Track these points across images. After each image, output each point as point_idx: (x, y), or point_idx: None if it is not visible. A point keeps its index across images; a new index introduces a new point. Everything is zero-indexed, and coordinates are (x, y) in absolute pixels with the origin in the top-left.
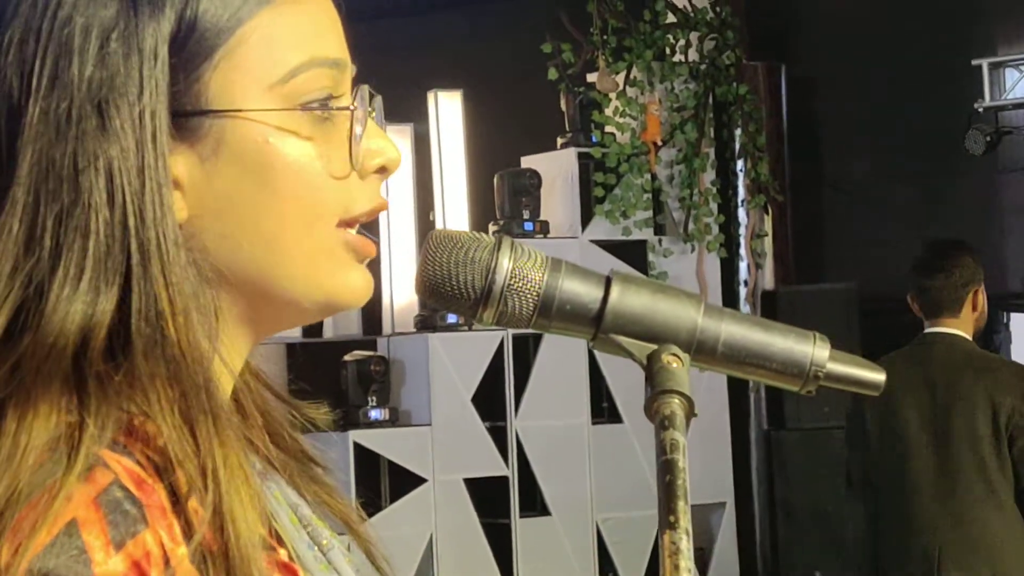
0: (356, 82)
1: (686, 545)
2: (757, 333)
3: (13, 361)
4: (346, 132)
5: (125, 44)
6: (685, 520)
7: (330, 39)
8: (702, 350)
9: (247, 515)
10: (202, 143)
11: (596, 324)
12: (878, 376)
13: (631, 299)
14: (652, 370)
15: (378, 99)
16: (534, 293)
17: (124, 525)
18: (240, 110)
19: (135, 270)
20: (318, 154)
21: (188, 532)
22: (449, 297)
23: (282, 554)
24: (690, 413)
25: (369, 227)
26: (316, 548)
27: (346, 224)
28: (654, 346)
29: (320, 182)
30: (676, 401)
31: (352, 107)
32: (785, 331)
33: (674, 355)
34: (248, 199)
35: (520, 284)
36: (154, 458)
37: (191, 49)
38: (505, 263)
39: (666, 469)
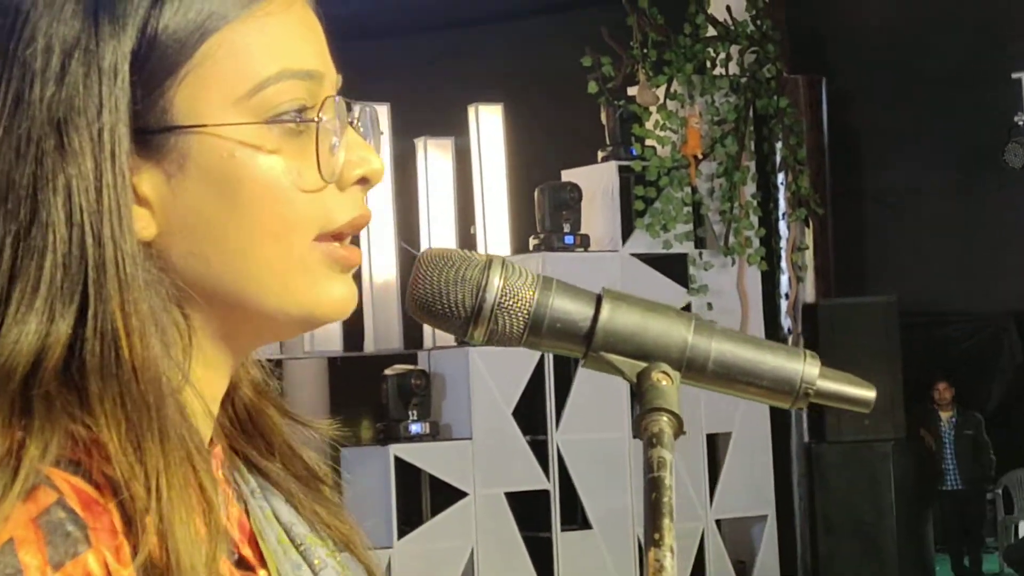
0: (344, 93)
1: (670, 563)
2: (747, 350)
3: None
4: (321, 144)
5: (85, 63)
6: (670, 537)
7: (305, 50)
8: (692, 367)
9: (189, 535)
10: (167, 160)
11: (587, 342)
12: (868, 393)
13: (622, 317)
14: (641, 388)
15: (368, 110)
16: (524, 311)
17: (64, 546)
18: (204, 125)
19: (91, 289)
20: (286, 168)
21: (138, 552)
22: (440, 315)
23: (261, 575)
24: (679, 431)
25: (410, 241)
26: (307, 567)
27: (328, 237)
28: (644, 364)
29: (288, 196)
30: (664, 419)
31: (318, 119)
32: (775, 348)
33: (664, 373)
34: (214, 215)
35: (510, 302)
36: (112, 476)
37: (154, 65)
38: (495, 281)
39: (653, 487)
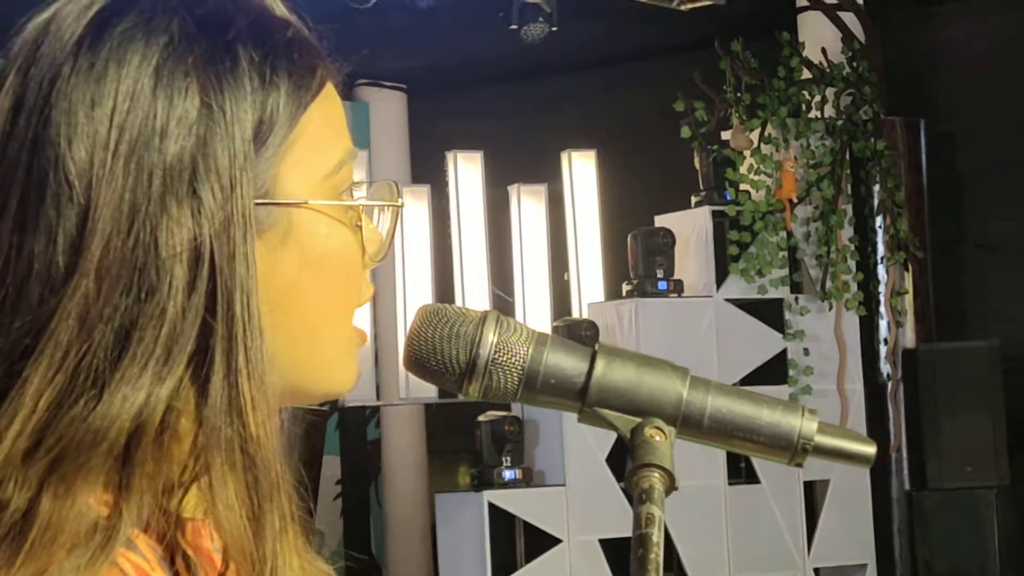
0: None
1: None
2: (744, 406)
3: (55, 445)
4: (361, 222)
5: (209, 133)
6: None
7: (347, 130)
8: (688, 423)
9: None
10: (270, 233)
11: (581, 398)
12: (868, 449)
13: (616, 373)
14: (634, 444)
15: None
16: (519, 367)
17: None
18: (306, 201)
19: (217, 359)
20: (358, 246)
21: None
22: (435, 371)
23: None
24: (670, 487)
25: (503, 286)
26: None
27: None
28: (639, 419)
29: (359, 273)
30: (656, 475)
31: (400, 203)
32: (772, 404)
33: (657, 428)
34: (304, 290)
35: (505, 358)
36: (157, 549)
37: (267, 143)
38: (490, 337)
39: (640, 543)
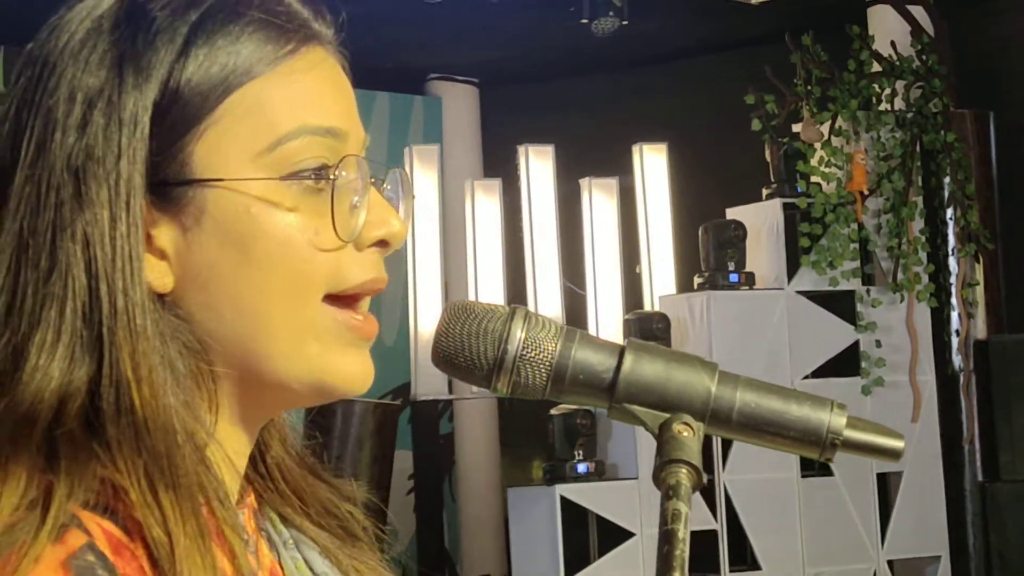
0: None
1: None
2: (773, 401)
3: None
4: (339, 203)
5: (107, 113)
6: None
7: (329, 108)
8: (717, 418)
9: None
10: (185, 213)
11: (610, 393)
12: (897, 443)
13: (644, 368)
14: (662, 439)
15: (395, 172)
16: (547, 363)
17: None
18: (221, 179)
19: (105, 337)
20: (302, 225)
21: None
22: (463, 368)
23: None
24: (698, 483)
25: (575, 280)
26: None
27: (337, 298)
28: (667, 415)
29: (304, 254)
30: (683, 471)
31: (334, 176)
32: (801, 398)
33: (685, 424)
34: (229, 270)
35: (533, 354)
36: (138, 521)
37: (175, 118)
38: (518, 333)
39: (665, 539)
